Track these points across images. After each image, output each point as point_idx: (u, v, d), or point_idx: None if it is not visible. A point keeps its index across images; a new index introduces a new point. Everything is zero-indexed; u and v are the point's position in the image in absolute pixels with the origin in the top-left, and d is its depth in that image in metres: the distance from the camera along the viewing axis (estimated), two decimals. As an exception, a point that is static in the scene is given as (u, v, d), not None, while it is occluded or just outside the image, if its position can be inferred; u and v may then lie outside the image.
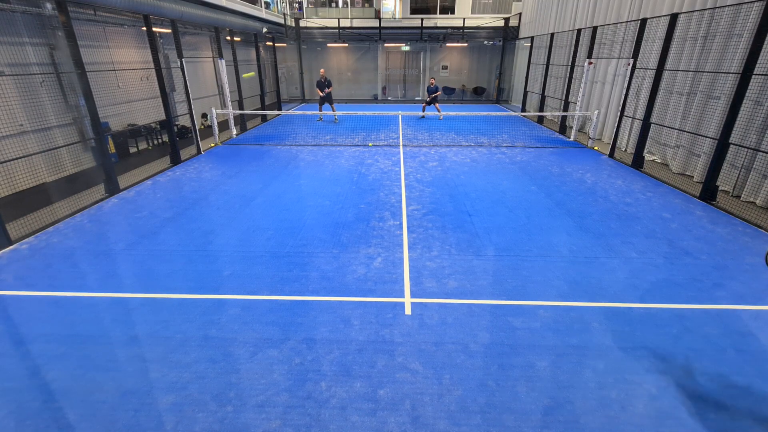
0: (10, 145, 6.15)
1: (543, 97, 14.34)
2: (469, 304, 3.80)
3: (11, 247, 4.89)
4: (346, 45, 20.95)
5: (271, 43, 16.53)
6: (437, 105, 14.63)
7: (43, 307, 3.75)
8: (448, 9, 20.33)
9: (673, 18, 7.50)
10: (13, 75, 6.33)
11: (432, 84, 14.25)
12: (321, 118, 14.75)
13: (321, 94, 13.88)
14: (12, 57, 6.40)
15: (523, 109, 16.49)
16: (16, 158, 5.60)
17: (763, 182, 6.21)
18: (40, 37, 6.92)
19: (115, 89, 8.54)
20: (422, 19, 19.43)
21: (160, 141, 10.42)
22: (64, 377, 2.93)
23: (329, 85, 13.85)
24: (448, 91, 21.81)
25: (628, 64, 8.72)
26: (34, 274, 4.31)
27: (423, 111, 14.60)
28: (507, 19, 19.30)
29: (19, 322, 3.54)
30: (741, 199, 6.59)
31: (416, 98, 22.06)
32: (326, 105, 14.37)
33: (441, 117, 14.93)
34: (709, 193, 6.45)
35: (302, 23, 19.63)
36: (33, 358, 3.12)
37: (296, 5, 20.52)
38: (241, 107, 12.86)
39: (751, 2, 6.20)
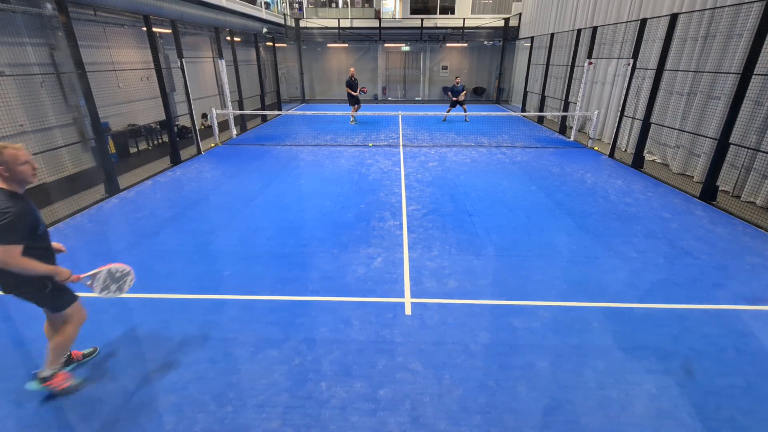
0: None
1: (543, 98, 14.34)
2: (469, 304, 3.80)
3: (11, 248, 4.88)
4: (346, 45, 20.95)
5: (271, 44, 16.54)
6: (464, 106, 14.22)
7: (44, 307, 3.75)
8: (448, 9, 20.34)
9: (673, 18, 7.50)
10: (14, 75, 6.33)
11: (458, 83, 13.87)
12: (354, 120, 14.41)
13: (354, 93, 13.66)
14: (12, 57, 6.40)
15: (523, 110, 16.50)
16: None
17: (763, 182, 6.21)
18: (40, 37, 6.92)
19: (115, 89, 8.55)
20: (422, 20, 19.44)
21: (160, 141, 10.42)
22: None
23: (358, 85, 13.77)
24: (448, 91, 21.82)
25: (628, 65, 8.72)
26: (35, 274, 4.31)
27: (447, 112, 14.48)
28: (507, 20, 19.31)
29: (18, 322, 3.54)
30: (741, 199, 6.59)
31: (416, 98, 22.07)
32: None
33: (467, 119, 14.55)
34: (709, 193, 6.45)
35: (302, 23, 19.63)
36: (33, 358, 3.12)
37: (296, 5, 20.52)
38: (241, 107, 12.86)
39: (751, 2, 6.20)
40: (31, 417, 2.61)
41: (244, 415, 2.63)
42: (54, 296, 2.58)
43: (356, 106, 13.88)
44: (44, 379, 2.64)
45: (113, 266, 2.78)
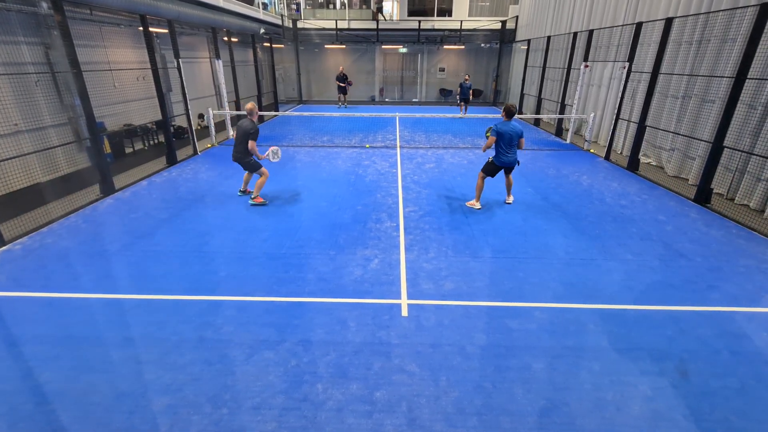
0: (4, 144, 6.11)
1: (539, 100, 14.41)
2: (465, 306, 3.80)
3: (4, 248, 4.85)
4: (344, 46, 20.95)
5: (268, 44, 16.51)
6: (467, 105, 15.35)
7: (37, 309, 3.72)
8: (446, 11, 20.39)
9: (668, 22, 7.57)
10: (8, 74, 6.28)
11: (467, 80, 15.02)
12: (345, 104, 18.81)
13: (342, 85, 17.99)
14: (7, 56, 6.35)
15: (520, 112, 16.56)
16: (11, 158, 5.56)
17: (757, 185, 6.26)
18: (35, 36, 6.88)
19: (111, 89, 8.50)
20: (419, 21, 19.48)
21: (156, 141, 10.38)
22: (58, 379, 2.90)
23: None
24: (446, 93, 21.87)
25: (624, 68, 8.78)
26: (28, 274, 4.28)
27: (465, 111, 15.41)
28: (504, 22, 19.37)
29: (12, 323, 3.51)
30: (735, 201, 6.64)
31: (413, 100, 22.10)
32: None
33: (460, 116, 15.47)
34: (703, 195, 6.50)
35: (300, 24, 19.62)
36: (26, 359, 3.09)
37: (294, 6, 20.50)
38: (238, 108, 12.82)
39: (745, 7, 6.26)
40: (25, 419, 2.58)
41: (239, 417, 2.62)
42: (256, 164, 6.20)
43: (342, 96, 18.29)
44: (254, 199, 6.26)
45: (274, 147, 6.49)
